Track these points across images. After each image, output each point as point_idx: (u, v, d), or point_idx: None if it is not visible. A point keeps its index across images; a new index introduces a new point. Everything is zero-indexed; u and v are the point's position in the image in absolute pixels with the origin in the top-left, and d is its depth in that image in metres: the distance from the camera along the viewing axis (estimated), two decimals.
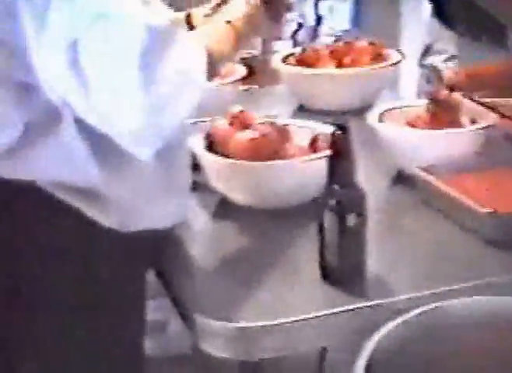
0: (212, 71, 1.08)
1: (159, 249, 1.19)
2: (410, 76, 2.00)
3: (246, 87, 1.79)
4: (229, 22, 1.16)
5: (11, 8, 0.93)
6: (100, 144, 1.00)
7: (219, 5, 1.29)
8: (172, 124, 1.01)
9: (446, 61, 1.66)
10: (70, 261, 1.06)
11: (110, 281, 1.09)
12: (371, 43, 1.83)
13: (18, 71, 0.96)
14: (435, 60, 1.65)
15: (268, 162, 1.29)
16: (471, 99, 1.49)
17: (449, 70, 1.65)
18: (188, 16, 1.39)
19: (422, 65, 1.85)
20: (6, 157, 1.01)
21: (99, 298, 1.08)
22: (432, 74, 1.63)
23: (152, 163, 1.04)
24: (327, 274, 1.11)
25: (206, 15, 1.33)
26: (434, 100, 1.46)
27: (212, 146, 1.35)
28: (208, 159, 1.32)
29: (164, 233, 1.15)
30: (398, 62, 1.82)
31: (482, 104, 1.48)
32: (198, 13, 1.38)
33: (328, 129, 1.09)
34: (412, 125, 1.45)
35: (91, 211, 1.04)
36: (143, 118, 0.96)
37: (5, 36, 0.95)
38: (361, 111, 1.56)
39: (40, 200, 1.03)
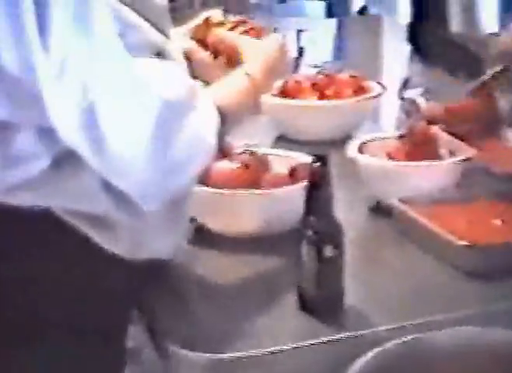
0: (227, 131, 1.10)
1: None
2: (390, 108, 2.01)
3: None
4: (248, 74, 1.15)
5: (28, 61, 0.92)
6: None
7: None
8: (182, 185, 1.05)
9: (424, 94, 1.68)
10: (63, 285, 1.05)
11: (98, 308, 1.08)
12: (353, 76, 1.85)
13: (36, 119, 0.97)
14: (413, 93, 1.67)
15: (247, 192, 1.30)
16: (449, 133, 1.50)
17: (427, 103, 1.66)
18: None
19: (401, 98, 1.87)
20: (24, 188, 1.01)
21: (86, 324, 1.07)
22: (410, 107, 1.64)
23: None
24: (305, 305, 1.10)
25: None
26: (412, 133, 1.47)
27: None
28: None
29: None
30: (379, 95, 1.83)
31: (460, 137, 1.49)
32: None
33: (308, 159, 1.10)
34: (391, 157, 1.45)
35: (100, 237, 1.05)
36: (154, 181, 0.99)
37: (22, 87, 0.95)
38: (341, 142, 1.56)
39: (46, 225, 1.03)
